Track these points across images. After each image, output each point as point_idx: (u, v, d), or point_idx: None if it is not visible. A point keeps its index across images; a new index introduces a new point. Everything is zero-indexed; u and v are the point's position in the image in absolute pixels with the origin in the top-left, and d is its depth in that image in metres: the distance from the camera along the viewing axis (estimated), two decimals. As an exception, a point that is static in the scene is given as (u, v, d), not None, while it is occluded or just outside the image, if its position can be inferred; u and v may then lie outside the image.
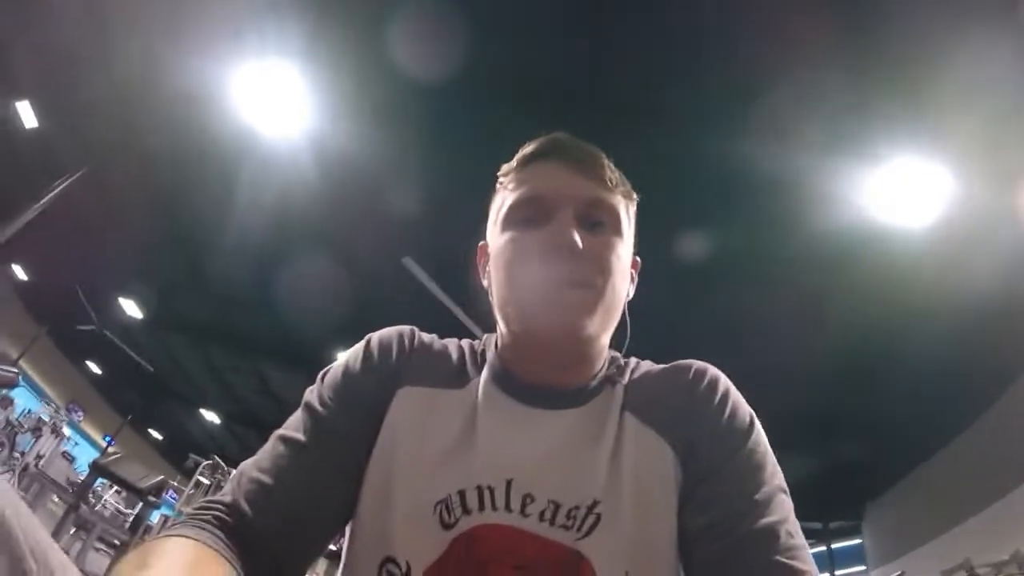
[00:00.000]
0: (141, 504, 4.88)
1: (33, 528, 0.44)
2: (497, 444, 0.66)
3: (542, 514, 0.61)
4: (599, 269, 0.67)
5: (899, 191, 3.46)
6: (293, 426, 0.68)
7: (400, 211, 4.57)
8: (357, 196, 4.68)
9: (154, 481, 4.67)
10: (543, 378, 0.70)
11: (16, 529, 0.43)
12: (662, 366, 0.76)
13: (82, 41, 4.38)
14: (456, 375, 0.74)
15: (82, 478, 5.07)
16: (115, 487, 5.46)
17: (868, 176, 3.45)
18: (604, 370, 0.74)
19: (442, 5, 3.21)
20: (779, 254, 3.99)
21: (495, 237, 0.74)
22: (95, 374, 11.55)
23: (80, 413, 11.29)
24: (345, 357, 0.75)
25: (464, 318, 5.14)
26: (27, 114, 5.43)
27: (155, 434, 13.63)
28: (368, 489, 0.65)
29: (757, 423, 0.68)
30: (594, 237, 0.68)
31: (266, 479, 0.63)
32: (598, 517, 0.61)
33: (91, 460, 5.03)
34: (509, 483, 0.62)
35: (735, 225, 3.91)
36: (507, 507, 0.62)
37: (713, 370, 0.72)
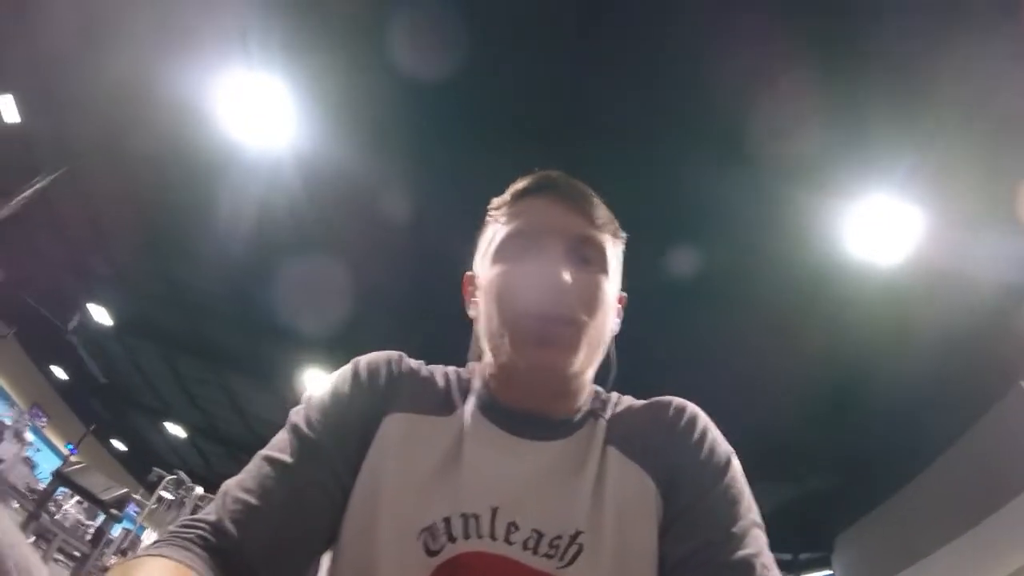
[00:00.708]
0: (103, 516, 4.76)
1: (18, 543, 0.43)
2: (482, 472, 0.67)
3: (526, 543, 0.62)
4: (585, 305, 0.69)
5: (872, 227, 3.55)
6: (279, 447, 0.68)
7: (384, 228, 4.55)
8: (340, 211, 4.65)
9: (117, 494, 4.57)
10: (529, 408, 0.72)
11: (3, 546, 0.42)
12: (643, 402, 0.77)
13: (72, 40, 4.32)
14: (443, 402, 0.74)
15: (43, 485, 4.93)
16: (77, 497, 5.30)
17: (843, 211, 3.53)
18: (588, 404, 0.76)
19: (430, 17, 3.20)
20: (752, 285, 4.02)
21: (485, 269, 0.76)
22: (60, 379, 11.25)
23: (44, 418, 10.95)
24: (332, 380, 0.75)
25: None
26: (9, 108, 5.30)
27: (118, 444, 13.25)
28: (352, 514, 0.65)
29: (735, 460, 0.70)
30: (582, 273, 0.70)
31: (251, 499, 0.63)
32: (580, 547, 0.62)
33: (53, 468, 4.91)
34: (494, 511, 0.63)
35: (708, 254, 3.92)
36: (492, 535, 0.62)
37: (692, 407, 0.74)
